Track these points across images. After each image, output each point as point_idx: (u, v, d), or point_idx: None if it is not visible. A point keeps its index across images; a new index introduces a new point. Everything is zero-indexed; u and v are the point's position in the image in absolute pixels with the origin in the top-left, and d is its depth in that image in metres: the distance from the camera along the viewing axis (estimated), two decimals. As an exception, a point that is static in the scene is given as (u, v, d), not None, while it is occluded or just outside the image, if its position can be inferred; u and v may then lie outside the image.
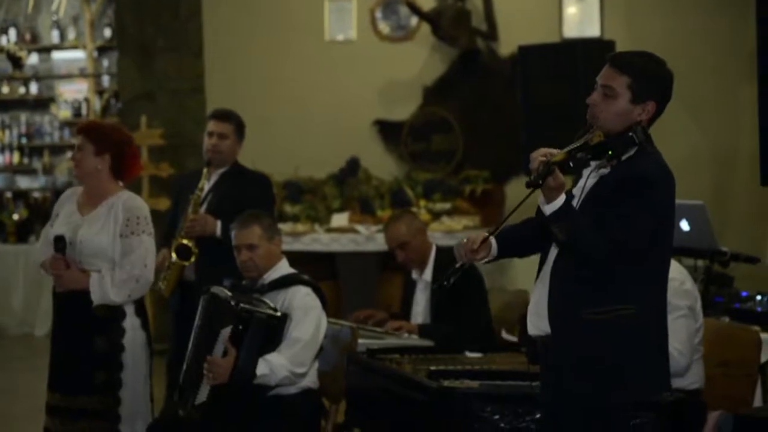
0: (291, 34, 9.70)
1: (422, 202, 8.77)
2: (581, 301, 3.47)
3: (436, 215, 8.65)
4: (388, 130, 9.53)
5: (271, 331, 4.70)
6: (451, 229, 8.39)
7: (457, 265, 3.62)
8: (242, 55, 9.80)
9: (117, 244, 4.66)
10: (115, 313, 4.67)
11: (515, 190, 9.02)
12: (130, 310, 4.71)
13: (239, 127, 6.06)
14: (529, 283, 5.36)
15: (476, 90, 9.28)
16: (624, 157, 3.47)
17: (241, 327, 4.65)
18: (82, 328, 4.66)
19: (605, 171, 3.50)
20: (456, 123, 9.27)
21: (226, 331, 4.68)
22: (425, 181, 8.97)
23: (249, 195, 5.73)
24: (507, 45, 9.06)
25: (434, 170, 9.22)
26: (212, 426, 4.69)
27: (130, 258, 4.64)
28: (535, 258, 3.74)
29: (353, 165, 9.12)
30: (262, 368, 4.63)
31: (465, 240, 3.62)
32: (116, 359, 4.66)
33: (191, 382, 4.78)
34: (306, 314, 4.77)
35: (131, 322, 4.70)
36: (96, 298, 4.62)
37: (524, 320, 3.68)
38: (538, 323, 3.58)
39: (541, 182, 3.35)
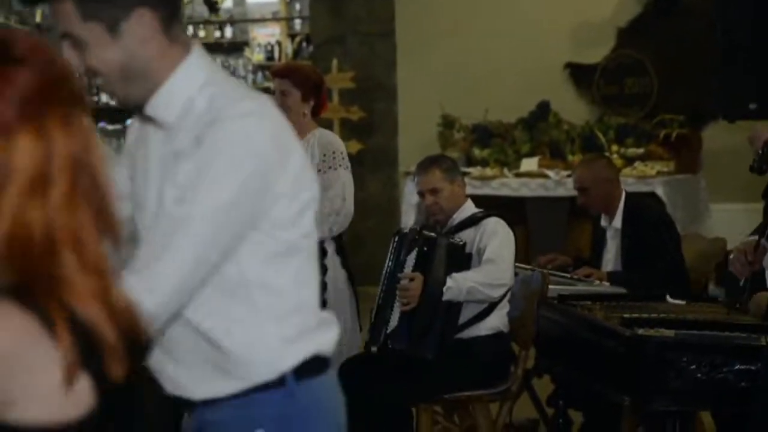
0: (482, -25, 9.59)
1: (614, 147, 8.58)
2: None
3: (629, 160, 8.46)
4: (579, 73, 9.35)
5: (456, 258, 4.70)
6: (644, 175, 8.20)
7: (741, 283, 3.41)
8: (432, -3, 9.76)
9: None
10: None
11: (712, 135, 8.74)
12: (330, 248, 4.79)
13: None
14: (728, 231, 5.19)
15: (672, 31, 8.99)
16: None
17: (426, 249, 4.69)
18: None
19: None
20: (650, 65, 9.03)
21: (411, 257, 4.74)
22: (618, 125, 8.77)
23: None
24: (706, -16, 8.74)
25: (627, 114, 9.00)
26: (402, 367, 4.73)
27: (329, 193, 4.71)
28: (733, 207, 3.59)
29: (544, 109, 8.99)
30: (447, 283, 4.65)
31: (735, 253, 3.38)
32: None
33: (382, 317, 4.84)
34: (494, 235, 4.75)
35: (332, 261, 4.79)
36: None
37: (721, 269, 3.52)
38: None
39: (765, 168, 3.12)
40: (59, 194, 1.31)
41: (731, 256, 3.39)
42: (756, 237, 3.36)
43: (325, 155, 4.76)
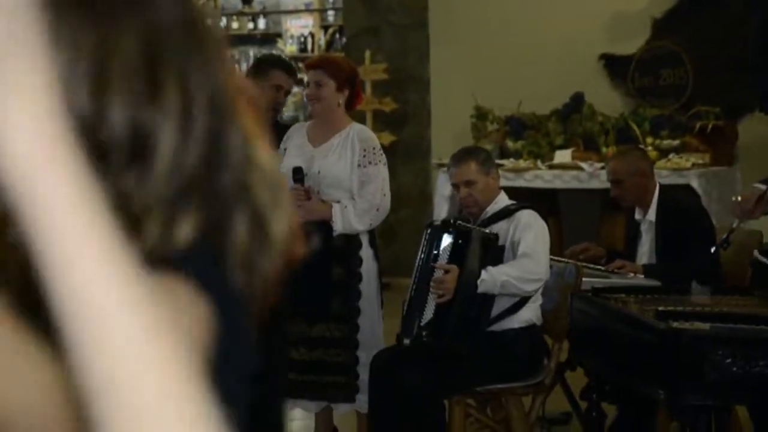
0: (515, -34, 9.54)
1: (649, 139, 8.51)
2: None
3: (664, 152, 8.38)
4: (614, 65, 9.28)
5: (490, 251, 4.69)
6: (679, 167, 8.13)
7: (734, 226, 3.43)
8: (466, -12, 9.71)
9: (354, 174, 4.76)
10: (352, 242, 4.79)
11: (748, 127, 8.65)
12: (365, 240, 4.82)
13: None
14: (764, 224, 5.14)
15: (708, 22, 8.90)
16: None
17: (460, 241, 4.70)
18: (321, 258, 4.76)
19: None
20: (686, 57, 8.94)
21: (445, 250, 4.73)
22: (652, 117, 8.69)
23: None
24: (743, -25, 8.65)
25: (662, 106, 8.92)
26: (434, 359, 4.71)
27: (369, 188, 4.75)
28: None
29: (578, 100, 8.92)
30: (482, 275, 4.65)
31: (738, 198, 3.41)
32: (354, 288, 4.78)
33: (416, 309, 4.83)
34: (529, 228, 4.75)
35: (366, 253, 4.82)
36: (338, 227, 4.73)
37: (757, 263, 3.50)
38: None
39: None
40: None
41: (733, 199, 3.42)
42: (763, 186, 3.38)
43: (365, 150, 4.79)
